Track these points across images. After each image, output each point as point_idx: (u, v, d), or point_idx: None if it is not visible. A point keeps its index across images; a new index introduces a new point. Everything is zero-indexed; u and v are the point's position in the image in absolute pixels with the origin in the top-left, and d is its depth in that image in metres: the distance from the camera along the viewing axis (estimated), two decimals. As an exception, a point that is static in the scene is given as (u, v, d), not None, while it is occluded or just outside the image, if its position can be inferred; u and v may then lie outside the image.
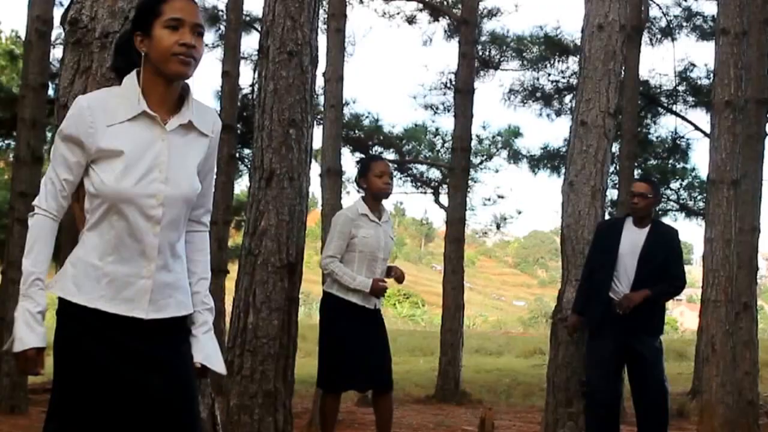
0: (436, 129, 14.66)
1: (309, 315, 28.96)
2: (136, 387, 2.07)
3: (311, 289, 22.92)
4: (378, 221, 4.81)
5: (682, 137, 12.92)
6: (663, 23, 12.74)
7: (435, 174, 14.24)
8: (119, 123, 2.08)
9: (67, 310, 2.09)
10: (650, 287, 5.00)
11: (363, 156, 12.89)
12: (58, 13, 7.99)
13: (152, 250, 2.09)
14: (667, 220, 12.53)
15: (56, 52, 9.78)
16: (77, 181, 2.11)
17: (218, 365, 2.23)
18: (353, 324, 4.68)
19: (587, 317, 5.25)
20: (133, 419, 2.07)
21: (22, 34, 8.87)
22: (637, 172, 11.70)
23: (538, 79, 13.37)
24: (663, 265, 5.08)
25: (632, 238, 5.14)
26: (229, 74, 10.15)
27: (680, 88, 12.66)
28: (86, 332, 2.07)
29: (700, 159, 20.73)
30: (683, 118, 12.67)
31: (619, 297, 5.03)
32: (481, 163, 14.89)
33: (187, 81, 2.17)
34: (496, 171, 15.56)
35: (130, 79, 2.14)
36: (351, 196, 14.35)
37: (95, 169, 2.08)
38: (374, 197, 4.85)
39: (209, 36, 13.08)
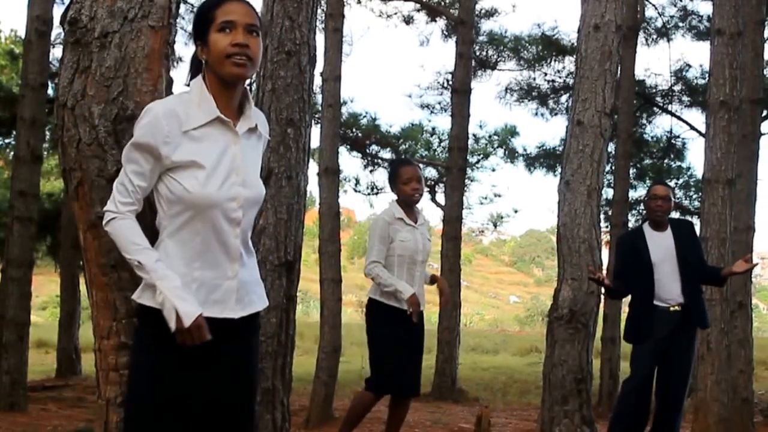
0: (433, 128, 14.66)
1: (307, 313, 29.00)
2: (215, 388, 2.13)
3: (309, 287, 22.93)
4: (414, 224, 4.82)
5: (678, 137, 12.94)
6: (659, 23, 12.77)
7: (432, 173, 14.25)
8: (194, 129, 2.10)
9: (156, 318, 2.07)
10: (699, 282, 5.17)
11: (393, 159, 12.71)
12: (57, 12, 8.02)
13: (236, 252, 2.14)
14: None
15: (56, 52, 9.81)
16: (150, 188, 2.11)
17: None
18: (398, 329, 4.72)
19: (635, 328, 5.16)
20: (203, 417, 2.12)
21: (22, 34, 8.90)
22: (632, 172, 11.75)
23: (534, 79, 13.39)
24: (700, 259, 5.23)
25: (660, 244, 5.12)
26: (227, 73, 10.15)
27: (676, 88, 12.67)
28: (174, 338, 2.06)
29: (695, 158, 20.87)
30: (679, 117, 12.70)
31: (666, 303, 5.03)
32: (477, 162, 14.91)
33: (245, 85, 2.20)
34: (493, 170, 15.54)
35: (197, 85, 2.15)
36: (348, 195, 14.39)
37: (175, 177, 2.08)
38: (405, 203, 4.87)
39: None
